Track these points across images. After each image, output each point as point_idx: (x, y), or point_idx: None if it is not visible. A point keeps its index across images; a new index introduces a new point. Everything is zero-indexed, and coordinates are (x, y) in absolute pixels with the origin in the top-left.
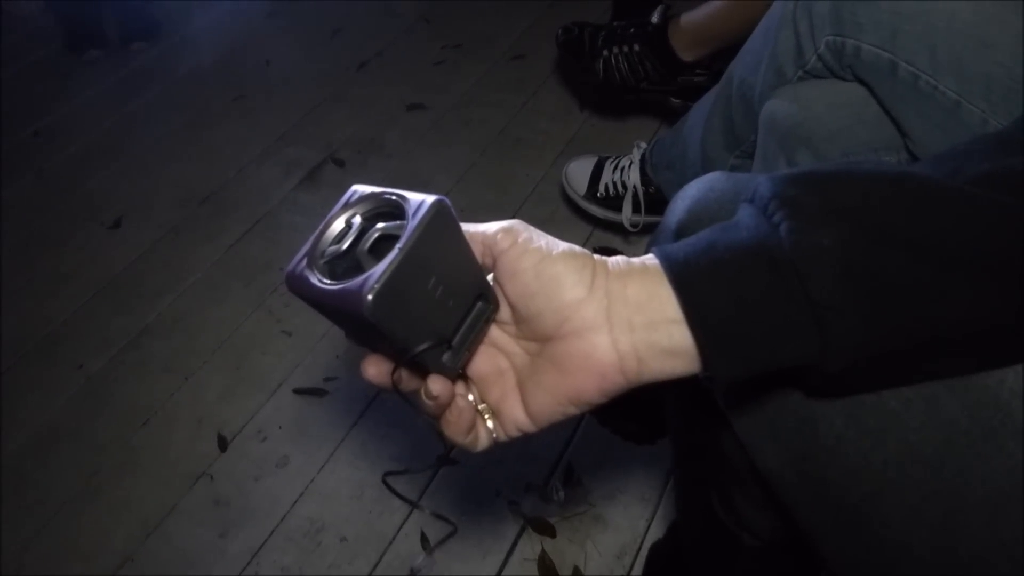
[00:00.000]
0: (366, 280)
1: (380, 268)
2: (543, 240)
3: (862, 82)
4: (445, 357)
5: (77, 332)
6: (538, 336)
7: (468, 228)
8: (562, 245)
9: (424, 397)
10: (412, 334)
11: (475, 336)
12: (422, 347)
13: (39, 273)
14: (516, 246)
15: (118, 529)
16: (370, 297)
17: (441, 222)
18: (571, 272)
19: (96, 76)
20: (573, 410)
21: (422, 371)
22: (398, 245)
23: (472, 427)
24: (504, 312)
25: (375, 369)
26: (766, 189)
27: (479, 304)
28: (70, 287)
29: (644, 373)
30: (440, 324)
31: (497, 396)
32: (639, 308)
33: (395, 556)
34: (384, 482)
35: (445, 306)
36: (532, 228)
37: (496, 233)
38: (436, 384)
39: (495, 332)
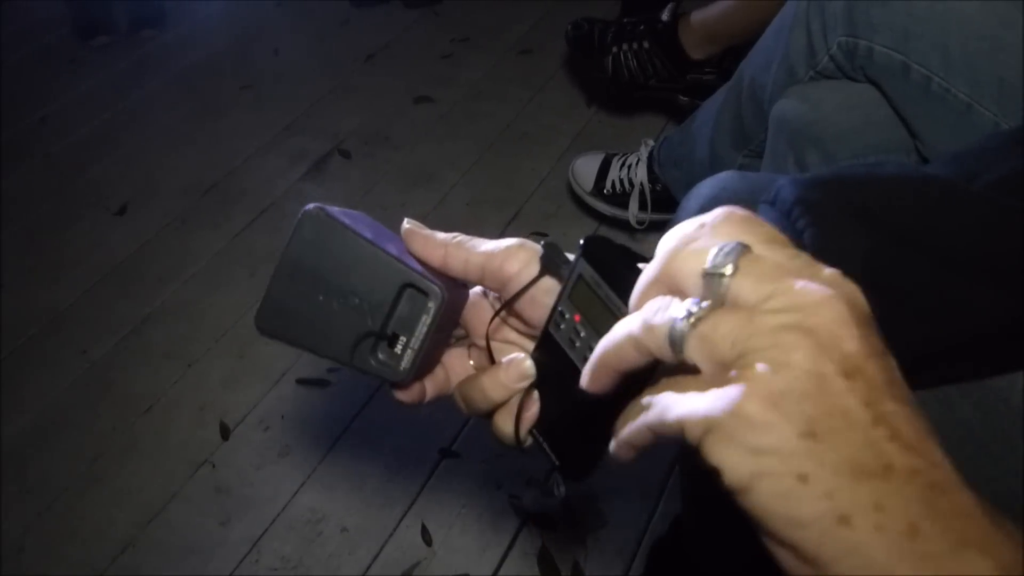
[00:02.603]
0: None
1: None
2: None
3: (874, 83)
4: (383, 356)
5: (81, 318)
6: None
7: (465, 245)
8: None
9: (397, 402)
10: (320, 341)
11: (421, 331)
12: (343, 349)
13: (44, 258)
14: (528, 268)
15: (119, 515)
16: (256, 316)
17: (315, 228)
18: None
19: (104, 63)
20: None
21: (375, 378)
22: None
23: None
24: (519, 325)
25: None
26: (788, 193)
27: (410, 293)
28: (75, 273)
29: None
30: (358, 323)
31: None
32: None
33: (396, 547)
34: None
35: (357, 305)
36: (535, 245)
37: (498, 256)
38: (401, 395)
39: (511, 335)
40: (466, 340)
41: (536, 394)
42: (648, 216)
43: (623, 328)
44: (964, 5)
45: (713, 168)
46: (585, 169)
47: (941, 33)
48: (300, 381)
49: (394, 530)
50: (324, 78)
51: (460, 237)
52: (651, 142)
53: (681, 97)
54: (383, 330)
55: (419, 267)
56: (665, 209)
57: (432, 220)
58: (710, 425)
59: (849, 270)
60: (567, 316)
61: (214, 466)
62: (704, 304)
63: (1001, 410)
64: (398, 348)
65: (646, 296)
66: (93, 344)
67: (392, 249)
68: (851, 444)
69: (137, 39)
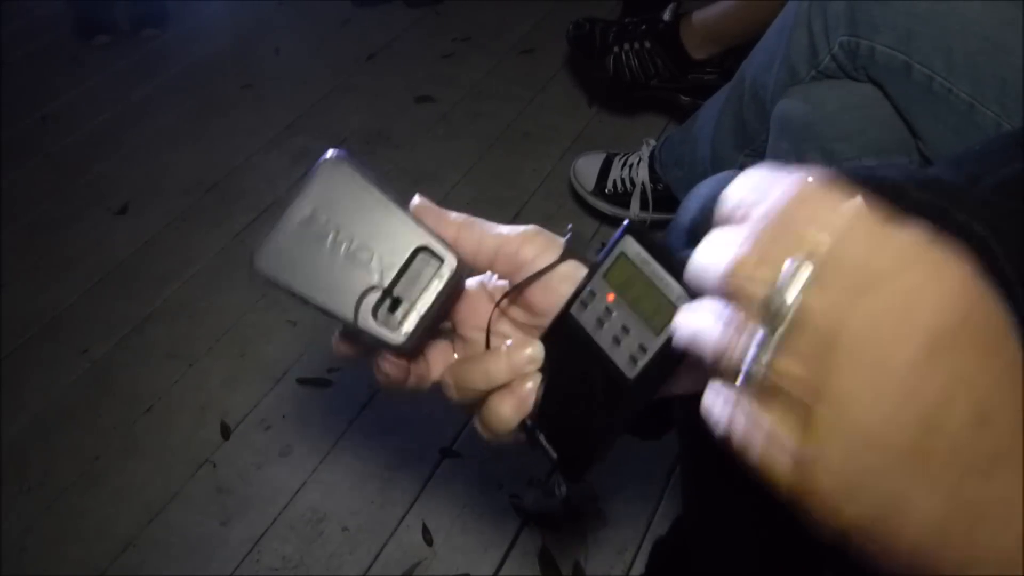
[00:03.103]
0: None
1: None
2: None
3: (876, 83)
4: (382, 315)
5: (82, 317)
6: None
7: (480, 226)
8: None
9: (377, 372)
10: (321, 291)
11: (429, 296)
12: (346, 302)
13: (45, 257)
14: (545, 255)
15: (120, 514)
16: (254, 256)
17: (334, 177)
18: None
19: (105, 62)
20: None
21: (371, 341)
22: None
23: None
24: (520, 315)
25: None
26: None
27: (423, 257)
28: (76, 272)
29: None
30: (365, 278)
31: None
32: None
33: (396, 547)
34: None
35: (364, 260)
36: (552, 233)
37: (515, 239)
38: (388, 365)
39: (505, 327)
40: (451, 333)
41: (539, 379)
42: (649, 216)
43: (693, 329)
44: (966, 5)
45: (715, 168)
46: (586, 169)
47: (943, 33)
48: (301, 381)
49: (395, 530)
50: (325, 77)
51: (473, 218)
52: (652, 142)
53: (683, 97)
54: (392, 287)
55: (435, 233)
56: (666, 209)
57: None
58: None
59: None
60: (597, 295)
61: (215, 466)
62: (771, 342)
63: None
64: (399, 313)
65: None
66: (94, 343)
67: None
68: None
69: (138, 38)
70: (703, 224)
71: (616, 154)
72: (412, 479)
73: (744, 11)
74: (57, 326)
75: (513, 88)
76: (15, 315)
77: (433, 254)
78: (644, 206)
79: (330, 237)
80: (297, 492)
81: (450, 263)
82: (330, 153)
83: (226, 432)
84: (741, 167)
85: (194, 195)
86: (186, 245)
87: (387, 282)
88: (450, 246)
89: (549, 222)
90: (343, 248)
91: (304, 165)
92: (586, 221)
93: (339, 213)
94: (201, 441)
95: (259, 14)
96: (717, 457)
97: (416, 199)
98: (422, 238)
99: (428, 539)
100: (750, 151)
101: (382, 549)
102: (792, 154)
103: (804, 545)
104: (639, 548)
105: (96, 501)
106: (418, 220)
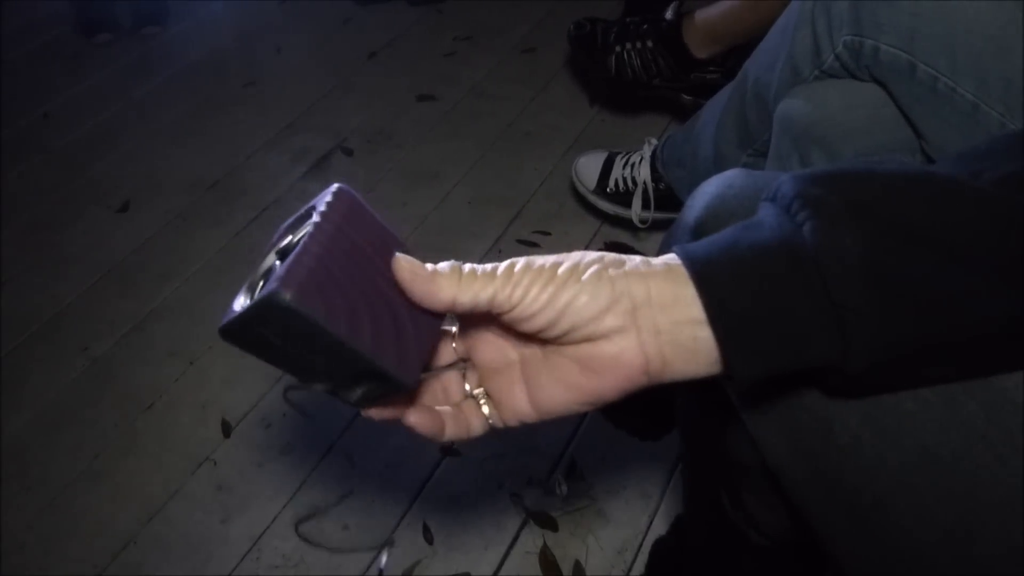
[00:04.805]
0: (231, 307)
1: (240, 305)
2: (545, 263)
3: (879, 83)
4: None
5: (82, 315)
6: (563, 342)
7: (473, 281)
8: (564, 263)
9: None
10: (280, 366)
11: (368, 394)
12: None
13: (45, 255)
14: (527, 297)
15: (120, 512)
16: (221, 323)
17: (281, 315)
18: (587, 289)
19: (106, 59)
20: (585, 407)
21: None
22: (238, 310)
23: (463, 424)
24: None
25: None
26: (789, 188)
27: (372, 384)
28: (76, 270)
29: (667, 374)
30: (311, 371)
31: (501, 385)
32: (664, 309)
33: (397, 545)
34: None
35: (316, 365)
36: (523, 259)
37: (508, 285)
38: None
39: (503, 326)
40: (461, 364)
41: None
42: (651, 215)
43: None
44: (970, 5)
45: (717, 167)
46: (588, 168)
47: (947, 33)
48: None
49: (395, 527)
50: (327, 76)
51: (467, 271)
52: (654, 141)
53: (684, 96)
54: (339, 386)
55: (392, 355)
56: (668, 208)
57: (434, 219)
58: None
59: (849, 262)
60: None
61: (215, 463)
62: None
63: (1008, 410)
64: None
65: None
66: (94, 341)
67: (363, 334)
68: None
69: (140, 36)
70: (709, 223)
71: (618, 153)
72: (412, 478)
73: (747, 10)
74: (57, 324)
75: (515, 87)
76: (15, 313)
77: (381, 381)
78: (646, 205)
79: (281, 349)
80: (297, 490)
81: (400, 391)
82: (279, 289)
83: (227, 430)
84: (744, 167)
85: (195, 193)
86: (187, 243)
87: (331, 387)
88: (404, 373)
89: (551, 221)
90: (293, 357)
91: (305, 164)
92: (588, 220)
93: (289, 338)
94: (202, 439)
95: (260, 12)
96: (719, 460)
97: (400, 261)
98: (374, 370)
99: (428, 538)
100: (753, 150)
101: (382, 548)
102: (794, 154)
103: (807, 549)
104: (639, 548)
105: (96, 499)
106: (370, 348)
